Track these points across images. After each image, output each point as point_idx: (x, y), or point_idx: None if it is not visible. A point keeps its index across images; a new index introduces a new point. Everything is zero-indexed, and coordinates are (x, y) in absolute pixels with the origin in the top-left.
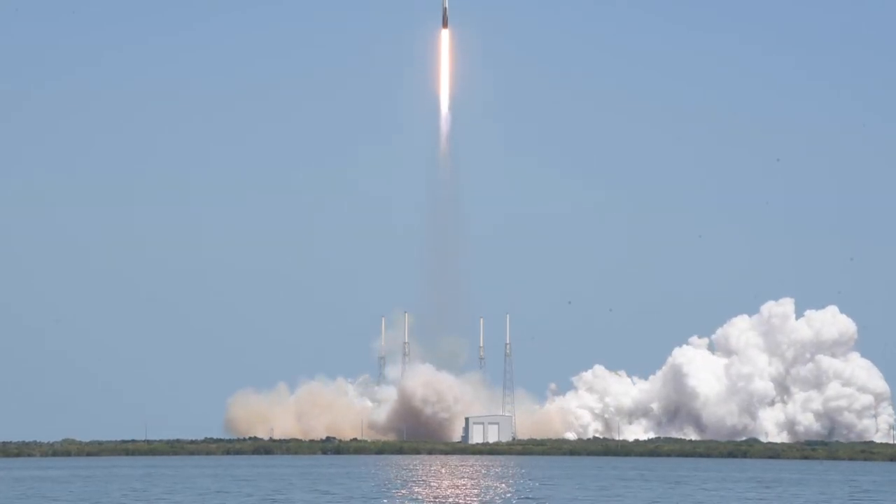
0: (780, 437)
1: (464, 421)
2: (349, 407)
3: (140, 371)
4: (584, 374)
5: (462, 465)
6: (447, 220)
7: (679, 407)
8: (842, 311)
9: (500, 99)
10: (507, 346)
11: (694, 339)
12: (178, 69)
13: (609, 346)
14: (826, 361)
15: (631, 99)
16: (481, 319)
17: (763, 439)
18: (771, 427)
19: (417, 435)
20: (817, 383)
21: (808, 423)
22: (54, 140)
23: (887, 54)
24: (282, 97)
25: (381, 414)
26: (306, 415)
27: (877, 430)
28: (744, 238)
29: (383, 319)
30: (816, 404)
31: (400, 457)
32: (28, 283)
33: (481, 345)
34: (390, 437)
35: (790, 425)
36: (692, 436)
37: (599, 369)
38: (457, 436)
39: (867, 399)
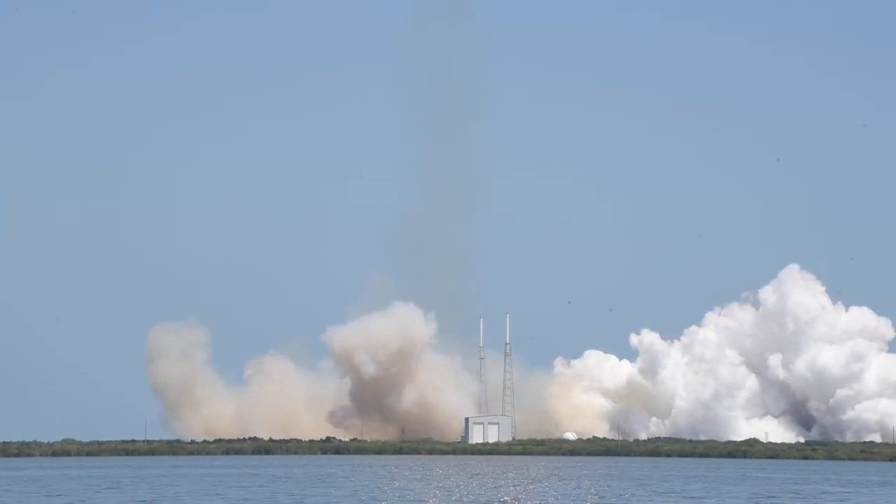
0: (781, 437)
1: (427, 359)
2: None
3: (140, 371)
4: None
5: (507, 468)
6: (448, 220)
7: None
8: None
9: (500, 100)
10: (508, 346)
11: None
12: (174, 67)
13: (610, 345)
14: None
15: (629, 100)
16: (481, 319)
17: (763, 439)
18: (770, 427)
19: (371, 408)
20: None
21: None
22: (56, 139)
23: (886, 53)
24: (282, 92)
25: (333, 400)
26: (250, 402)
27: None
28: (744, 238)
29: None
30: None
31: (400, 457)
32: (28, 283)
33: (481, 345)
34: (341, 426)
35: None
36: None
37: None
38: (419, 395)
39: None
